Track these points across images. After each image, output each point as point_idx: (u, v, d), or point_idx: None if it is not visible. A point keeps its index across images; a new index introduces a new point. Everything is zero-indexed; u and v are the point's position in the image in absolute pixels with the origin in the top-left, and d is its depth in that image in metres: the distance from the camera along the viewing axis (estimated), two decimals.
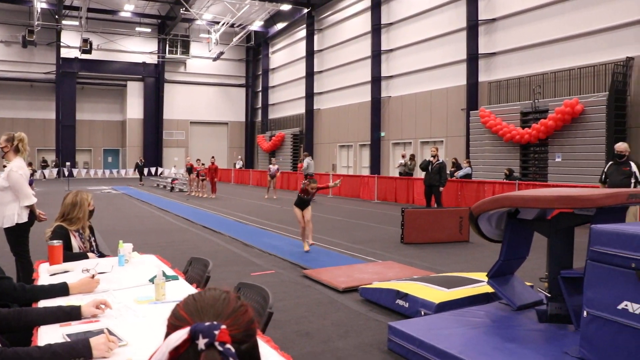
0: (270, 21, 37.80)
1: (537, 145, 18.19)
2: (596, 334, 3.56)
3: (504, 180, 16.65)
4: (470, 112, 20.91)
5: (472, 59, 21.58)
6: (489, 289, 5.41)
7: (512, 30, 20.31)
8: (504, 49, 20.61)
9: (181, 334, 0.95)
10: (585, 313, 3.62)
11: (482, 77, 21.47)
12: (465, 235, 10.55)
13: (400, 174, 21.07)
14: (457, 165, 20.30)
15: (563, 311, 4.45)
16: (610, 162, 9.11)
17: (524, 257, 5.19)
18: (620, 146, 9.01)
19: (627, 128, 16.28)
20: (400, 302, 5.63)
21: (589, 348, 3.60)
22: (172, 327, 1.01)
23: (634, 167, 8.73)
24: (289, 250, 9.44)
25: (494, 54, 21.06)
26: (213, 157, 23.84)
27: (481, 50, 21.49)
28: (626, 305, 3.36)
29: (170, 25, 38.43)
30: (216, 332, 0.94)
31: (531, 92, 18.63)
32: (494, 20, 21.03)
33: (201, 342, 0.93)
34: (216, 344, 0.93)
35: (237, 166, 34.78)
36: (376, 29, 27.33)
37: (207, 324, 0.96)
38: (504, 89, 20.29)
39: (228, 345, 0.94)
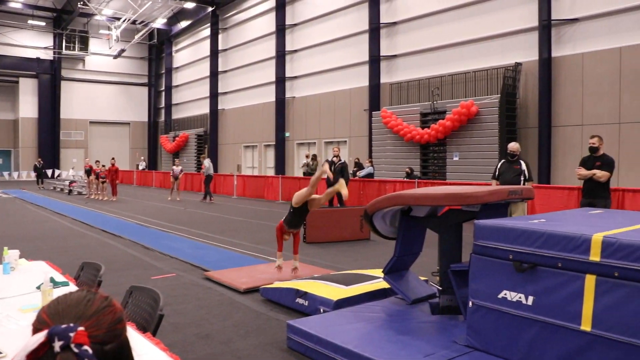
0: (174, 19, 36.98)
1: (436, 145, 18.90)
2: (480, 322, 3.76)
3: (405, 179, 17.19)
4: (373, 112, 21.42)
5: (374, 60, 22.12)
6: (385, 285, 5.57)
7: (412, 34, 21.02)
8: (405, 52, 21.28)
9: (38, 337, 0.94)
10: (470, 303, 3.82)
11: (384, 79, 22.06)
12: (366, 233, 10.82)
13: (305, 174, 21.25)
14: (359, 165, 20.75)
15: (454, 303, 4.66)
16: (502, 161, 9.52)
17: (417, 253, 5.40)
18: (513, 146, 9.41)
19: (517, 129, 17.28)
20: (300, 300, 5.69)
21: (475, 336, 3.80)
22: (35, 331, 0.99)
23: (523, 166, 9.19)
24: (191, 253, 9.31)
25: (395, 56, 21.69)
26: (113, 159, 23.02)
27: (383, 52, 22.07)
28: (505, 294, 3.58)
29: (67, 19, 36.70)
30: (72, 334, 0.93)
31: (430, 93, 19.35)
32: (395, 23, 21.65)
33: (57, 345, 0.92)
34: (72, 345, 0.93)
35: (140, 167, 33.80)
36: (280, 30, 27.41)
37: (63, 326, 0.95)
38: (404, 90, 20.94)
39: (85, 347, 0.94)
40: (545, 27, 16.39)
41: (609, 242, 3.09)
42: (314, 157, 21.48)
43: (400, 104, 20.71)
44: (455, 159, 18.06)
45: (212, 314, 5.69)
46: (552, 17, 16.41)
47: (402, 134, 19.38)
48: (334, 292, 5.54)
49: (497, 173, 9.36)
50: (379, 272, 6.15)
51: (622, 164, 14.24)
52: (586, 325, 3.20)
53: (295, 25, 27.07)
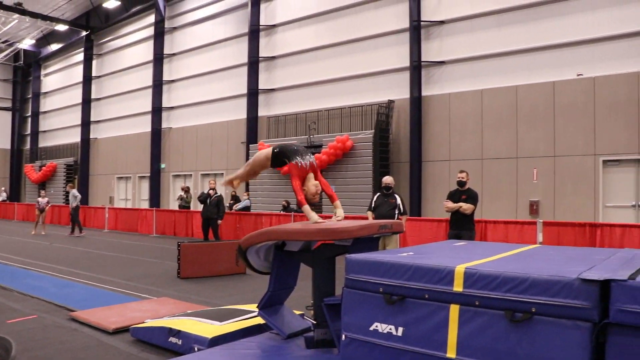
0: (44, 40, 34.97)
1: None
2: (353, 354, 3.80)
3: (281, 212, 17.27)
4: (250, 145, 21.43)
5: (253, 93, 22.25)
6: (261, 320, 5.50)
7: (291, 69, 21.42)
8: (283, 86, 21.61)
9: None
10: (343, 336, 3.85)
11: (262, 112, 22.23)
12: (242, 267, 10.68)
13: (180, 207, 20.80)
14: (236, 198, 20.61)
15: (328, 336, 4.68)
16: (378, 194, 9.72)
17: (292, 287, 5.40)
18: (387, 179, 9.70)
19: (390, 163, 18.02)
20: (173, 339, 5.47)
21: None
22: None
23: (398, 200, 9.47)
24: (55, 292, 8.69)
25: (273, 90, 21.96)
26: None
27: (261, 85, 22.27)
28: (376, 326, 3.66)
29: None
30: None
31: (307, 127, 19.73)
32: (273, 57, 21.97)
33: None
34: None
35: (0, 199, 31.38)
36: (159, 59, 26.82)
37: None
38: (282, 123, 21.20)
39: None
40: (416, 68, 17.37)
41: (470, 273, 3.26)
42: (187, 190, 21.11)
43: (277, 137, 20.90)
44: None
45: (77, 359, 5.32)
46: (422, 59, 17.43)
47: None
48: (209, 329, 5.39)
49: (372, 206, 9.54)
50: (254, 307, 6.07)
51: (485, 196, 15.22)
52: (451, 353, 3.33)
53: (173, 54, 26.65)
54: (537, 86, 15.48)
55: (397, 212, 9.35)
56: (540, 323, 3.07)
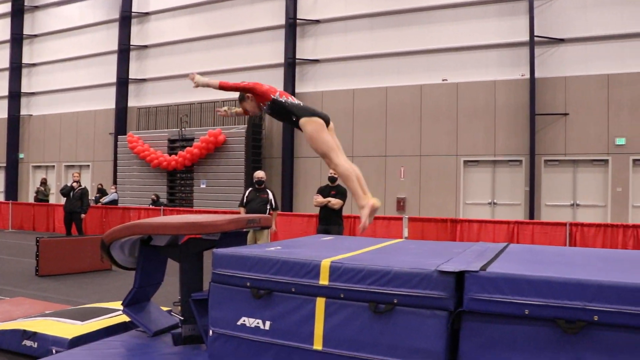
0: None
1: (183, 172, 18.82)
2: (221, 350, 3.77)
3: (150, 207, 16.76)
4: (119, 136, 20.58)
5: (122, 83, 21.36)
6: (126, 318, 5.30)
7: (163, 59, 20.81)
8: (155, 77, 20.95)
9: None
10: (211, 332, 3.82)
11: (132, 102, 21.41)
12: (108, 264, 10.22)
13: (37, 200, 19.56)
14: (102, 191, 19.72)
15: (196, 332, 4.61)
16: (250, 189, 9.74)
17: (159, 283, 5.26)
18: (259, 174, 9.73)
19: (263, 158, 18.08)
20: (27, 342, 5.11)
21: None
22: None
23: (270, 195, 9.55)
24: None
25: (144, 80, 21.21)
26: None
27: (132, 75, 21.44)
28: (244, 321, 3.65)
29: None
30: None
31: (179, 120, 19.26)
32: (146, 47, 21.22)
33: None
34: None
35: None
36: (17, 39, 24.87)
37: None
38: (153, 115, 20.54)
39: None
40: (291, 65, 17.54)
41: (335, 266, 3.35)
42: (44, 182, 19.92)
43: (148, 129, 20.25)
44: (203, 186, 18.19)
45: None
46: (297, 56, 17.65)
47: (148, 159, 18.93)
48: (69, 329, 5.09)
49: (244, 201, 9.54)
50: (118, 305, 5.83)
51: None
52: (318, 345, 3.40)
53: (35, 36, 24.86)
54: (405, 88, 16.23)
55: (268, 207, 9.41)
56: (401, 313, 3.21)
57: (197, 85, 4.54)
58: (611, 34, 14.63)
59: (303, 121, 4.17)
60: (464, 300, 3.05)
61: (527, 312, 2.95)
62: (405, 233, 11.68)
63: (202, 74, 16.36)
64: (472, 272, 3.04)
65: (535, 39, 14.83)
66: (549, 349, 2.94)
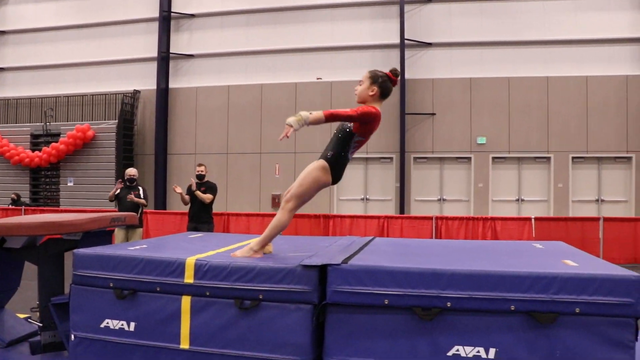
0: None
1: (48, 169, 17.76)
2: (84, 355, 3.63)
3: (10, 207, 15.67)
4: None
5: None
6: None
7: (24, 47, 19.44)
8: (14, 66, 19.53)
9: None
10: (72, 337, 3.66)
11: None
12: None
13: None
14: None
15: (56, 339, 4.38)
16: (121, 187, 9.54)
17: (14, 289, 4.93)
18: (131, 171, 9.64)
19: (135, 155, 17.48)
20: None
21: None
22: None
23: (142, 192, 9.41)
24: None
25: (2, 69, 19.72)
26: None
27: None
28: (107, 323, 3.54)
29: None
30: None
31: (43, 114, 18.12)
32: (3, 32, 19.72)
33: None
34: None
35: None
36: None
37: None
38: (13, 108, 19.14)
39: None
40: (164, 59, 17.09)
41: (200, 264, 3.33)
42: None
43: (7, 123, 18.85)
44: (70, 184, 17.27)
45: None
46: (171, 51, 17.21)
47: (8, 156, 17.64)
48: None
49: (115, 197, 9.48)
50: None
51: (230, 190, 15.66)
52: (185, 344, 3.37)
53: None
54: (281, 86, 16.37)
55: (140, 205, 9.35)
56: (267, 309, 3.26)
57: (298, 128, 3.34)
58: (473, 41, 15.67)
59: (328, 159, 3.62)
60: (328, 293, 3.15)
61: (387, 302, 3.11)
62: None
63: (70, 65, 15.44)
64: (335, 266, 3.15)
65: (406, 42, 15.54)
66: (407, 336, 3.12)
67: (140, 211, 9.34)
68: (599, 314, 2.95)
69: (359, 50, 16.10)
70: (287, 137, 3.32)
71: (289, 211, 3.55)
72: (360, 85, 3.67)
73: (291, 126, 3.29)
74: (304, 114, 3.33)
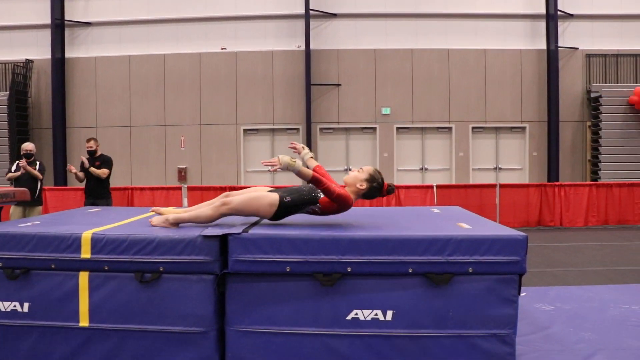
0: None
1: None
2: None
3: None
4: None
5: None
6: None
7: None
8: None
9: None
10: None
11: None
12: None
13: None
14: None
15: None
16: (17, 162, 9.13)
17: None
18: (27, 146, 9.20)
19: (30, 129, 16.52)
20: None
21: None
22: None
23: (39, 167, 9.03)
24: None
25: None
26: None
27: None
28: None
29: None
30: None
31: None
32: None
33: None
34: None
35: None
36: None
37: None
38: None
39: None
40: (59, 27, 16.14)
41: (97, 238, 3.24)
42: None
43: None
44: None
45: None
46: (66, 18, 16.27)
47: None
48: None
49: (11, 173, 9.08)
50: None
51: (134, 163, 15.24)
52: (84, 322, 3.29)
53: None
54: (184, 56, 15.95)
55: (39, 182, 9.00)
56: (169, 281, 3.24)
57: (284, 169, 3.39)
58: (377, 12, 15.88)
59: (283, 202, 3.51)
60: (229, 262, 3.17)
61: (288, 269, 3.17)
62: (185, 203, 11.60)
63: None
64: (235, 235, 3.16)
65: (311, 12, 15.49)
66: (309, 302, 3.20)
67: (39, 187, 8.89)
68: (489, 273, 3.14)
69: (264, 20, 15.91)
70: (271, 169, 3.39)
71: (219, 214, 3.49)
72: (359, 172, 3.69)
73: (279, 163, 3.32)
74: (298, 163, 3.38)
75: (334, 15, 15.87)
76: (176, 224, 3.54)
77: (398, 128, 16.04)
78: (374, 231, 3.34)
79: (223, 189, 11.93)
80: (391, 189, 3.72)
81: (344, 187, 3.61)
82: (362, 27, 16.04)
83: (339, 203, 3.49)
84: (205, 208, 3.61)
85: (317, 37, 15.85)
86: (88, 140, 9.12)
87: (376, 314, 3.16)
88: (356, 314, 3.17)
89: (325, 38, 15.97)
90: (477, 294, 3.13)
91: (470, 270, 3.13)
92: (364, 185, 3.61)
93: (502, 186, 12.51)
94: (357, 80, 15.91)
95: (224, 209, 3.47)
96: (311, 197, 3.54)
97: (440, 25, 15.92)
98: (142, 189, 12.19)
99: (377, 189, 3.65)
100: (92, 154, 8.97)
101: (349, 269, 3.15)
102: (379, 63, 15.91)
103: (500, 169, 16.25)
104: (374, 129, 16.05)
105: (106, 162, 9.00)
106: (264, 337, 3.21)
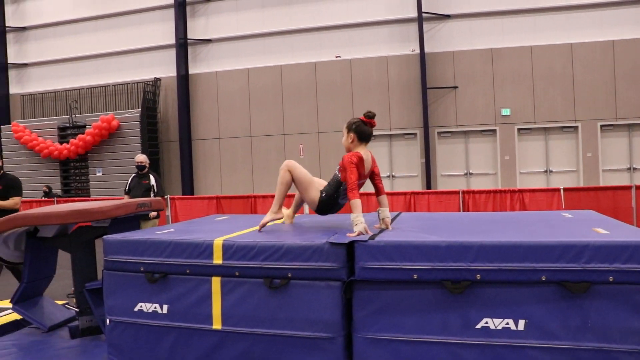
0: None
1: (77, 160, 18.03)
2: (120, 338, 3.70)
3: (43, 198, 15.96)
4: (2, 127, 19.32)
5: (1, 68, 20.00)
6: (17, 316, 5.07)
7: (46, 42, 19.66)
8: (38, 61, 19.79)
9: None
10: (108, 321, 3.73)
11: (14, 89, 20.13)
12: None
13: None
14: None
15: (93, 323, 4.49)
16: (133, 175, 9.12)
17: (50, 276, 5.05)
18: (139, 157, 9.05)
19: (159, 142, 17.63)
20: None
21: (116, 353, 3.72)
22: None
23: (153, 180, 8.91)
24: None
25: (26, 64, 19.98)
26: None
27: (11, 59, 20.12)
28: (141, 307, 3.60)
29: None
30: None
31: (68, 106, 18.36)
32: (24, 28, 19.94)
33: None
34: None
35: None
36: None
37: None
38: (39, 102, 19.43)
39: None
40: (182, 46, 17.14)
41: (228, 245, 3.36)
42: None
43: (34, 117, 19.15)
44: (99, 174, 17.52)
45: None
46: (189, 37, 17.25)
47: (38, 149, 17.95)
48: None
49: (127, 188, 9.03)
50: (6, 303, 5.56)
51: (255, 172, 15.76)
52: (217, 324, 3.41)
53: None
54: (300, 66, 16.32)
55: (152, 194, 8.80)
56: (297, 287, 3.28)
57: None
58: (493, 10, 15.39)
59: (322, 198, 3.90)
60: (356, 269, 3.16)
61: (415, 277, 3.10)
62: (307, 209, 11.79)
63: (91, 56, 15.61)
64: (362, 242, 3.15)
65: (423, 14, 15.33)
66: (437, 310, 3.11)
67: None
68: (632, 282, 2.90)
69: (376, 26, 15.94)
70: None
71: (285, 181, 3.85)
72: (343, 136, 3.87)
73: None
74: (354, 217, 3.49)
75: (448, 16, 15.59)
76: (279, 208, 3.89)
77: (519, 129, 15.42)
78: (504, 237, 3.20)
79: None
80: (369, 114, 3.82)
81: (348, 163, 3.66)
82: (478, 27, 15.61)
83: (348, 169, 3.60)
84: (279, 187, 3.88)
85: (431, 39, 15.63)
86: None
87: (507, 323, 3.01)
88: (486, 322, 3.04)
89: (439, 40, 15.71)
90: (619, 305, 2.91)
91: (611, 279, 2.91)
92: (351, 135, 3.77)
93: (638, 187, 11.63)
94: (474, 82, 15.50)
95: (286, 176, 3.81)
96: (335, 181, 3.77)
97: (562, 19, 15.13)
98: (264, 196, 12.55)
99: (359, 126, 3.77)
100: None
101: (478, 277, 3.03)
102: (496, 62, 15.41)
103: (634, 169, 15.12)
104: (494, 131, 15.54)
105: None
106: (392, 344, 3.16)
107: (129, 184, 9.06)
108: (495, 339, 3.02)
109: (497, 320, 3.03)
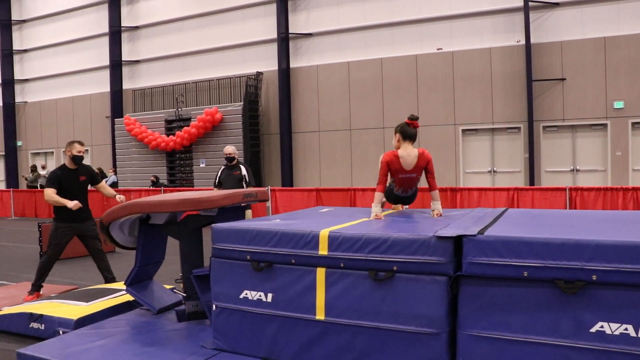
0: None
1: (182, 152, 18.80)
2: (225, 324, 3.81)
3: (150, 188, 16.77)
4: (115, 120, 20.51)
5: (116, 65, 21.22)
6: (130, 298, 5.34)
7: (155, 40, 20.63)
8: (148, 58, 20.80)
9: None
10: (214, 307, 3.84)
11: (127, 85, 21.29)
12: (111, 245, 10.25)
13: (29, 187, 19.65)
14: (102, 175, 19.72)
15: (199, 308, 4.65)
16: (222, 167, 8.98)
17: (160, 261, 5.28)
18: (228, 149, 8.90)
19: (260, 135, 18.04)
20: (34, 325, 5.14)
21: (221, 338, 3.83)
22: None
23: (244, 171, 8.81)
24: None
25: (138, 61, 21.07)
26: None
27: (125, 57, 21.28)
28: (246, 294, 3.68)
29: None
30: None
31: (174, 100, 19.18)
32: (137, 27, 21.03)
33: None
34: None
35: None
36: (6, 25, 24.64)
37: None
38: (148, 97, 20.44)
39: None
40: (284, 40, 17.41)
41: (334, 236, 3.36)
42: (34, 169, 19.91)
43: (144, 111, 20.17)
44: (202, 165, 18.17)
45: None
46: (290, 31, 17.50)
47: (146, 141, 18.89)
48: (74, 310, 5.12)
49: (217, 180, 8.92)
50: (122, 285, 5.87)
51: (354, 165, 15.77)
52: (320, 315, 3.42)
53: (24, 21, 24.61)
54: (400, 59, 16.13)
55: (244, 185, 8.70)
56: (401, 280, 3.22)
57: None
58: None
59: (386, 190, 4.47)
60: (463, 264, 3.06)
61: (526, 274, 2.96)
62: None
63: (196, 52, 16.29)
64: (470, 237, 3.05)
65: (530, 3, 14.67)
66: (548, 310, 2.96)
67: None
68: None
69: (480, 16, 15.44)
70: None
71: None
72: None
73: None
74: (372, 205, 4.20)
75: (556, 4, 14.83)
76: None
77: (634, 123, 14.43)
78: (622, 236, 3.00)
79: (444, 191, 11.82)
80: (412, 117, 4.35)
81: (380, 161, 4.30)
82: (589, 14, 14.72)
83: (379, 165, 4.25)
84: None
85: (538, 29, 14.94)
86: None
87: (626, 329, 2.81)
88: (602, 326, 2.85)
89: (546, 30, 14.99)
90: None
91: None
92: (397, 136, 4.31)
93: None
94: (584, 73, 14.67)
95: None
96: (390, 185, 4.36)
97: None
98: (363, 190, 12.54)
99: (403, 127, 4.30)
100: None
101: (594, 277, 2.84)
102: (609, 52, 14.49)
103: None
104: (605, 125, 14.65)
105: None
106: (498, 343, 3.04)
107: (219, 177, 8.92)
108: (612, 344, 2.83)
109: (614, 325, 2.83)
